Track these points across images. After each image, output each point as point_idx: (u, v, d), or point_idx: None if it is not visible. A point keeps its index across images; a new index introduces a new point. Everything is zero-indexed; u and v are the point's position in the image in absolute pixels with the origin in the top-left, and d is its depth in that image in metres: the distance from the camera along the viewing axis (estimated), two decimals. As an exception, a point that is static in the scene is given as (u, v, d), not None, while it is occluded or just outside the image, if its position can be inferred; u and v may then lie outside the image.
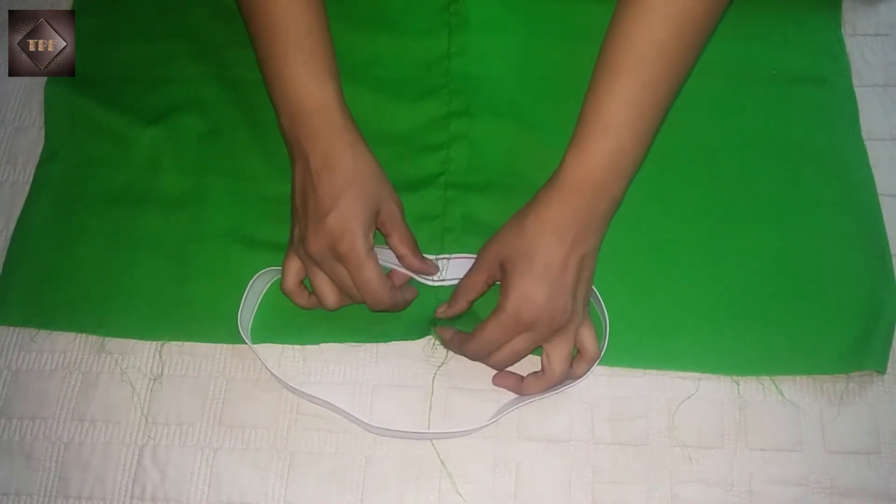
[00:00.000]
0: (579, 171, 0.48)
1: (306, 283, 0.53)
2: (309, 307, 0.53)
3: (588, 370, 0.51)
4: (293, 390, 0.52)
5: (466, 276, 0.52)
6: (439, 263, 0.54)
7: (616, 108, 0.48)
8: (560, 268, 0.47)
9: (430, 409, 0.52)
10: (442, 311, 0.52)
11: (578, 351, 0.51)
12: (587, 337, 0.50)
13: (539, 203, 0.49)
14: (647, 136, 0.49)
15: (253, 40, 0.54)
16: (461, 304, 0.51)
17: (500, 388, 0.52)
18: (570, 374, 0.51)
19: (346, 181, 0.49)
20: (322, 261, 0.49)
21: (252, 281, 0.53)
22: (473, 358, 0.51)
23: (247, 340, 0.53)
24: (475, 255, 0.52)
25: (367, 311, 0.53)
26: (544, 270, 0.47)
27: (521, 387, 0.51)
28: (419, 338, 0.54)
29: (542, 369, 0.50)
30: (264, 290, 0.56)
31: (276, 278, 0.55)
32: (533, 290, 0.47)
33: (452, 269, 0.54)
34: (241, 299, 0.53)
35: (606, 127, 0.48)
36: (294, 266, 0.52)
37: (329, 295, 0.51)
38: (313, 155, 0.50)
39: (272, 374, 0.52)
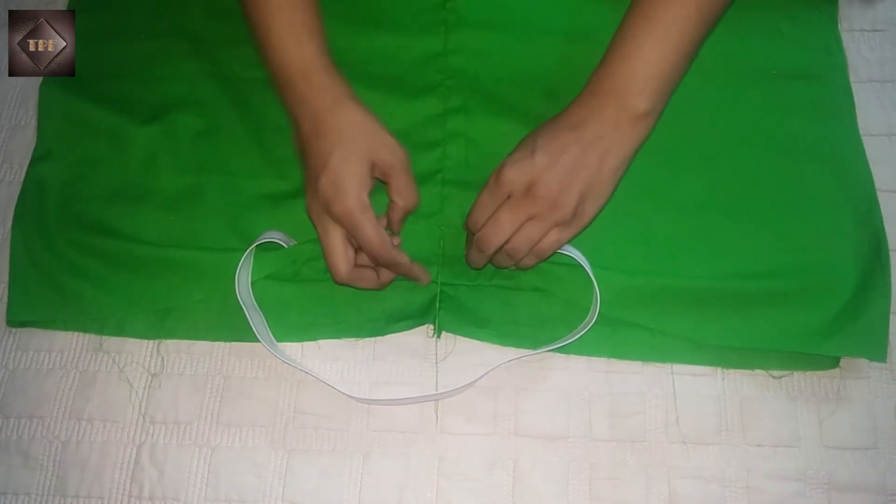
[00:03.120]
0: (594, 79, 0.51)
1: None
2: (376, 286, 0.53)
3: (532, 265, 0.51)
4: (292, 363, 0.53)
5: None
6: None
7: (633, 20, 0.50)
8: (559, 147, 0.48)
9: (437, 406, 0.53)
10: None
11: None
12: (552, 237, 0.49)
13: None
14: (669, 45, 0.50)
15: (245, 15, 0.55)
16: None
17: (497, 384, 0.52)
18: (519, 263, 0.51)
19: (333, 141, 0.50)
20: (324, 225, 0.50)
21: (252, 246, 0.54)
22: (473, 230, 0.51)
23: (243, 305, 0.52)
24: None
25: (363, 307, 0.54)
26: (542, 144, 0.49)
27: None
28: (418, 326, 0.54)
29: None
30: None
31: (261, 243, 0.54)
32: (521, 155, 0.49)
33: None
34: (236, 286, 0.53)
35: (623, 38, 0.50)
36: (338, 245, 0.50)
37: (342, 263, 0.50)
38: (302, 120, 0.51)
39: (276, 355, 0.52)
